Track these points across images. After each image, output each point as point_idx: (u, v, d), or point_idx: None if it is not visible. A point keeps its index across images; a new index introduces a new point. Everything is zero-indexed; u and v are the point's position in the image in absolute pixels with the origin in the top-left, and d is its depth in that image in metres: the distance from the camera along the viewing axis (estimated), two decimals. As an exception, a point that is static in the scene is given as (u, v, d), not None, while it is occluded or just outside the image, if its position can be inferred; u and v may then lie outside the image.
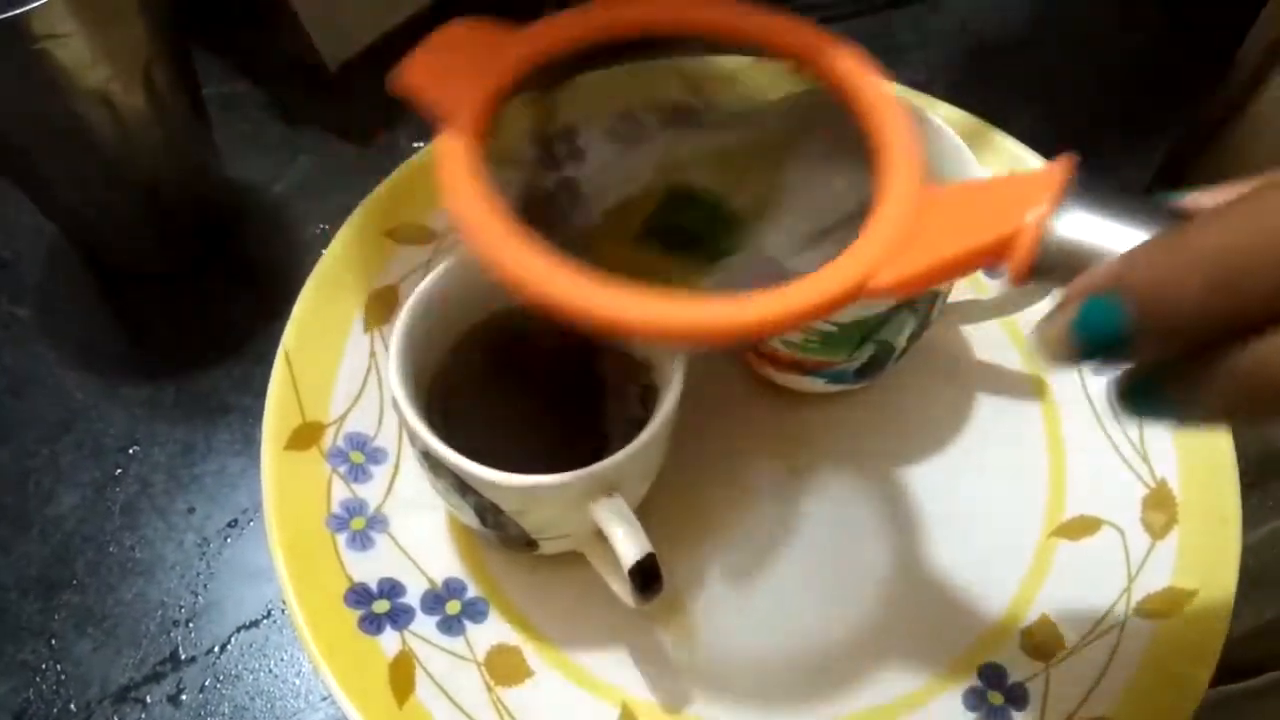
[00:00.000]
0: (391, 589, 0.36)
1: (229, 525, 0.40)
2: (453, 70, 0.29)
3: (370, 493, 0.38)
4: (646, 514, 0.36)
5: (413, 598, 0.36)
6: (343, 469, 0.39)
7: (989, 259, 0.23)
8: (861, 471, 0.40)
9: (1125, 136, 0.53)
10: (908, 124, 0.26)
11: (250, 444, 0.41)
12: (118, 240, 0.45)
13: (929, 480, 0.40)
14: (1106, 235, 0.21)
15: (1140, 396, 0.21)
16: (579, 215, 0.31)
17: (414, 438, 0.32)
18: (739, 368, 0.42)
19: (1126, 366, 0.21)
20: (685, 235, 0.29)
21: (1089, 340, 0.20)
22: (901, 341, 0.37)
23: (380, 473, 0.39)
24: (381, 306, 0.42)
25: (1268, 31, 0.49)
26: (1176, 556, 0.38)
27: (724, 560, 0.38)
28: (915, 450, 0.41)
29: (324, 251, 0.42)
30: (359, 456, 0.39)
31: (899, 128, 0.26)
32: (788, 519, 0.39)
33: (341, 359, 0.41)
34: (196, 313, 0.45)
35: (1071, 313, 0.20)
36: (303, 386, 0.39)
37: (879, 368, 0.39)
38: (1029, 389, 0.42)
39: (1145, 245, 0.20)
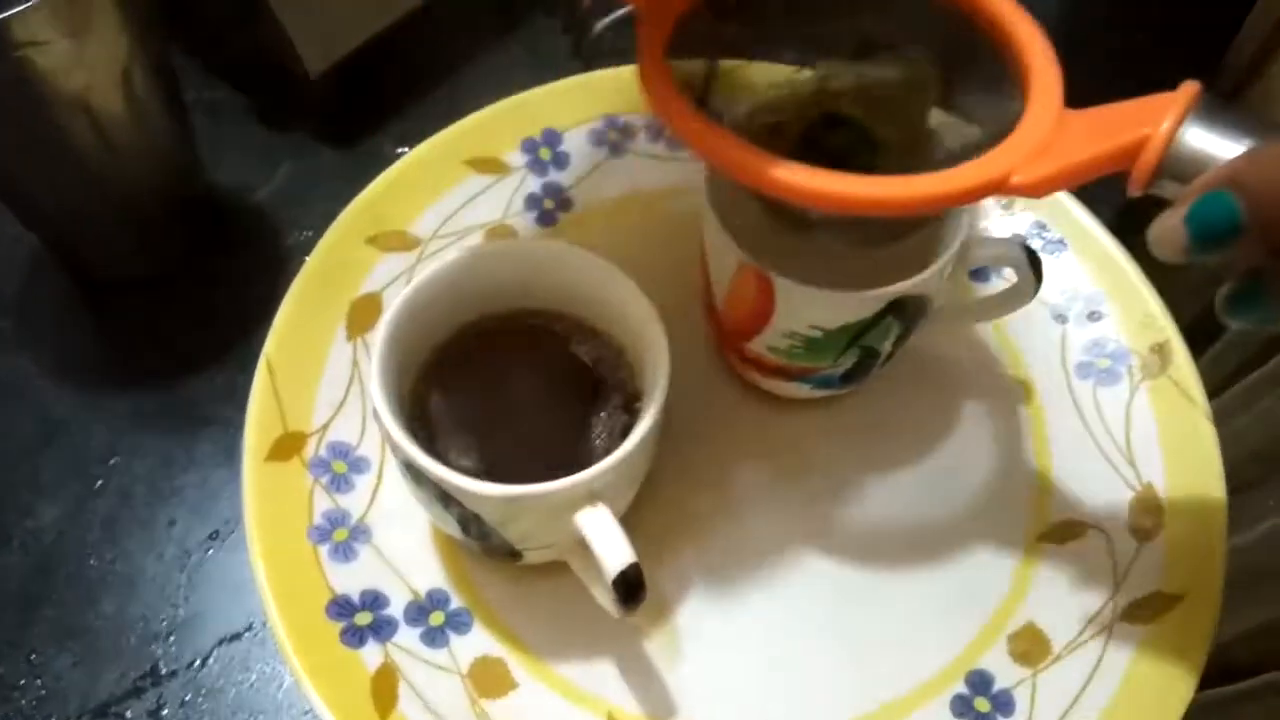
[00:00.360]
0: (374, 601, 0.36)
1: (210, 537, 0.40)
2: None
3: (353, 503, 0.38)
4: (632, 521, 0.36)
5: (396, 609, 0.36)
6: (325, 479, 0.38)
7: (1116, 164, 0.26)
8: (847, 477, 0.40)
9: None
10: (1051, 55, 0.29)
11: (233, 455, 0.41)
12: (98, 248, 0.44)
13: (915, 485, 0.40)
14: (1224, 147, 0.24)
15: (1245, 300, 0.24)
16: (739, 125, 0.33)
17: (395, 449, 0.31)
18: (725, 373, 0.42)
19: (1235, 273, 0.24)
20: (833, 156, 0.31)
21: (1202, 231, 0.23)
22: (887, 347, 0.37)
23: (363, 483, 0.39)
24: (364, 315, 0.42)
25: (1261, 26, 0.49)
26: (1163, 561, 0.38)
27: (710, 567, 0.38)
28: (901, 455, 0.41)
29: (306, 259, 0.41)
30: (341, 466, 0.39)
31: (1044, 58, 0.29)
32: (774, 525, 0.39)
33: (324, 368, 0.40)
34: (178, 322, 0.45)
35: (1187, 207, 0.23)
36: (285, 396, 0.39)
37: (864, 373, 0.39)
38: (1015, 393, 0.42)
39: (1259, 148, 0.23)
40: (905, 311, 0.35)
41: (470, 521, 0.32)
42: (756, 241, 0.36)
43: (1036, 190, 0.28)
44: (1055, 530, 0.39)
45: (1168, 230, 0.24)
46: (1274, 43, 0.49)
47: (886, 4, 0.34)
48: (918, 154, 0.33)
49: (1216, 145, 0.25)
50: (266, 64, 0.48)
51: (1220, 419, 0.46)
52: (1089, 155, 0.27)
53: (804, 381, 0.39)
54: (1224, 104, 0.25)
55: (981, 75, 0.32)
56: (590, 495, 0.31)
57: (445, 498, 0.31)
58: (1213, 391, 0.47)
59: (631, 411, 0.34)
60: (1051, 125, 0.28)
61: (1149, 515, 0.39)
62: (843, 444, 0.41)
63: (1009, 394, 0.42)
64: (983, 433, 0.41)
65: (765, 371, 0.39)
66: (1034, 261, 0.36)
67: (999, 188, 0.28)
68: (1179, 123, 0.25)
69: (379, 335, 0.33)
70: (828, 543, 0.39)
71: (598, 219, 0.46)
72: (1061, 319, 0.43)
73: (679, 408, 0.39)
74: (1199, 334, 0.46)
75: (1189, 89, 0.26)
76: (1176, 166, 0.25)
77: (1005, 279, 0.42)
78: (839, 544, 0.39)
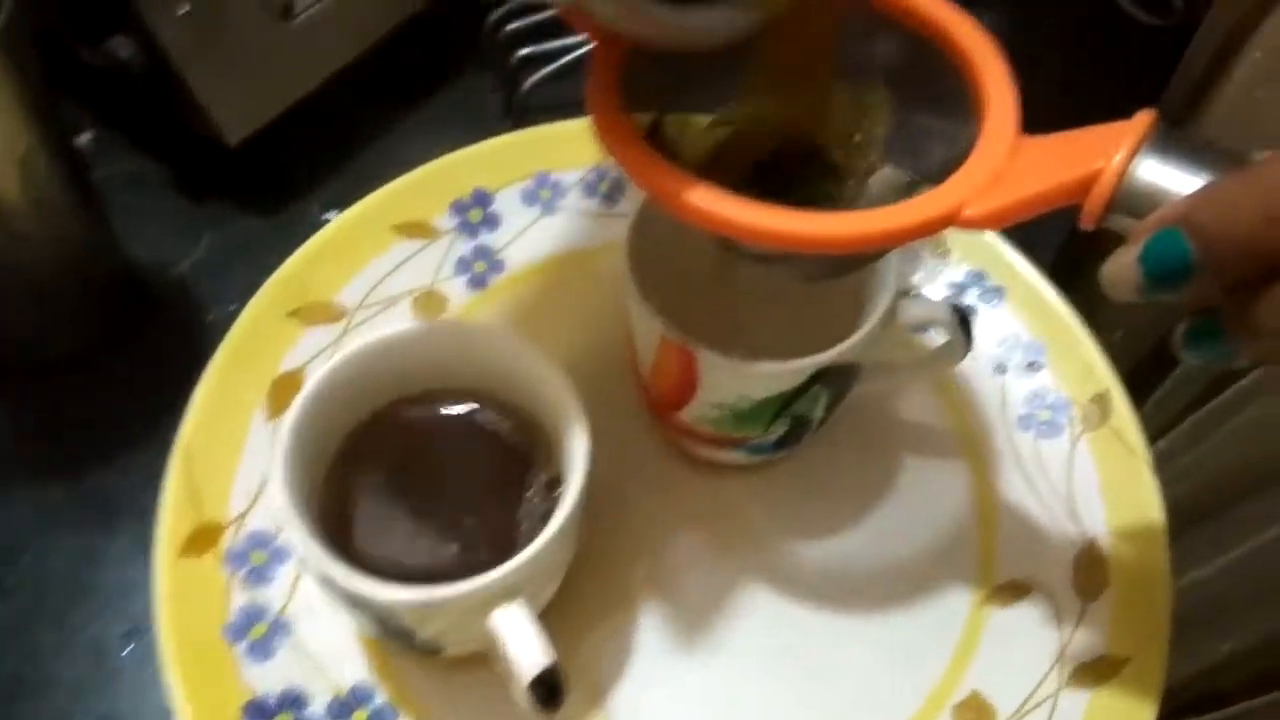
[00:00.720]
0: (294, 700, 0.34)
1: (127, 635, 0.38)
2: None
3: (272, 596, 0.37)
4: (562, 600, 0.35)
5: (317, 708, 0.34)
6: (243, 572, 0.37)
7: (1069, 197, 0.25)
8: (786, 543, 0.39)
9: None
10: (1007, 76, 0.28)
11: (150, 546, 0.39)
12: (3, 335, 0.43)
13: (857, 550, 0.39)
14: (1178, 180, 0.24)
15: (1202, 337, 0.24)
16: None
17: (303, 554, 0.30)
18: (659, 438, 0.41)
19: (1190, 312, 0.24)
20: (787, 180, 0.31)
21: (1155, 269, 0.23)
22: (818, 413, 0.36)
23: (283, 573, 0.37)
24: (285, 393, 0.40)
25: (1204, 55, 0.49)
26: (1109, 621, 0.37)
27: (646, 643, 0.37)
28: (842, 518, 0.40)
29: (225, 336, 0.40)
30: (261, 557, 0.37)
31: (999, 82, 0.28)
32: (712, 596, 0.38)
33: (242, 452, 0.39)
34: (93, 407, 0.43)
35: (1140, 245, 0.23)
36: (200, 485, 0.38)
37: (798, 439, 0.38)
38: (957, 448, 0.41)
39: (1210, 184, 0.23)
40: (833, 379, 0.34)
41: (385, 622, 0.31)
42: (682, 304, 0.35)
43: (988, 223, 0.27)
44: (1000, 592, 0.38)
45: (1121, 269, 0.24)
46: (1216, 71, 0.49)
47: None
48: (872, 179, 0.32)
49: (1171, 178, 0.24)
50: (185, 134, 0.46)
51: (1174, 451, 0.46)
52: (1042, 188, 0.26)
53: (737, 449, 0.38)
54: (1179, 134, 0.25)
55: (935, 98, 0.30)
56: (506, 592, 0.29)
57: (355, 600, 0.30)
58: (1166, 425, 0.47)
59: (553, 499, 0.33)
60: (1005, 154, 0.27)
61: (1093, 573, 0.38)
62: (781, 509, 0.40)
63: (950, 449, 0.41)
64: (924, 491, 0.40)
65: (697, 440, 0.38)
66: (964, 322, 0.35)
67: (951, 221, 0.27)
68: (1132, 155, 0.24)
69: (283, 429, 0.31)
70: (767, 613, 0.38)
71: (531, 280, 0.45)
72: (1001, 370, 0.42)
73: (611, 475, 0.38)
74: (1140, 378, 0.46)
75: (1143, 119, 0.25)
76: (1130, 201, 0.24)
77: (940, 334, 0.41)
78: (779, 614, 0.38)
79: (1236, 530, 0.43)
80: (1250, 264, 0.21)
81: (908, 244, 0.28)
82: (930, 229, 0.27)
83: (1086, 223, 0.25)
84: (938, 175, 0.28)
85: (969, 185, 0.27)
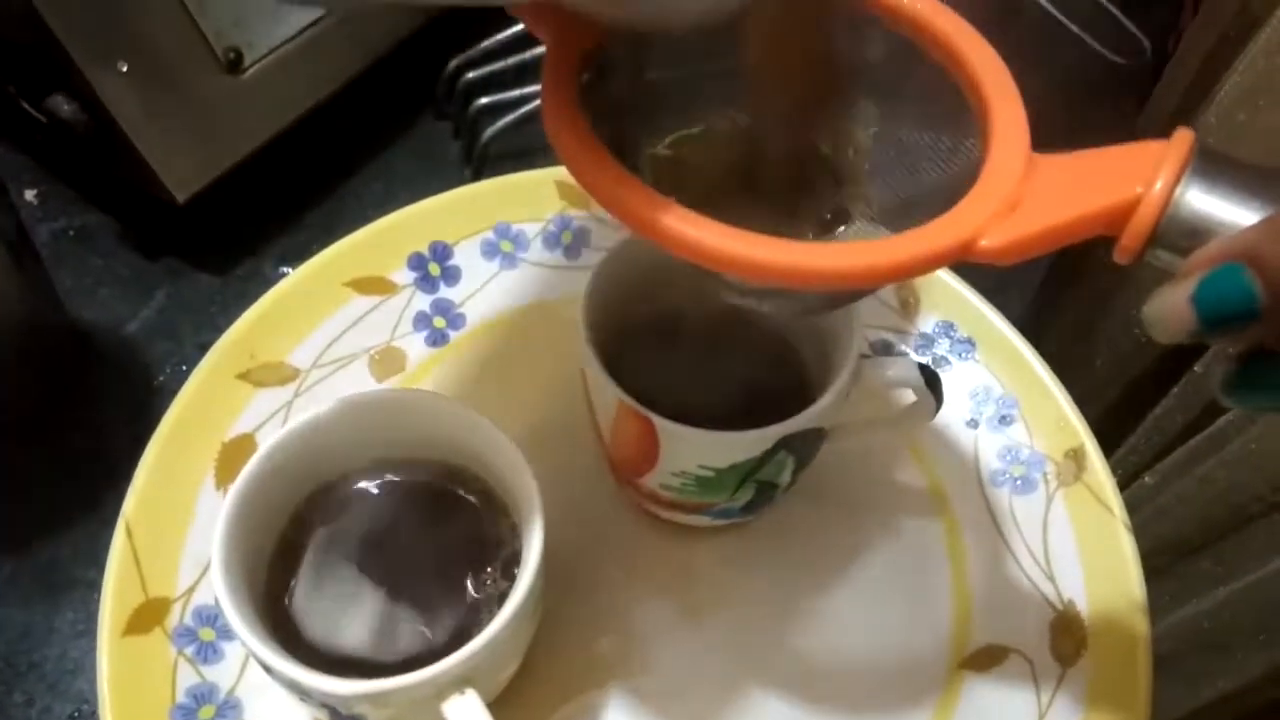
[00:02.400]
0: (243, 789, 0.33)
1: (70, 718, 0.37)
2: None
3: (221, 674, 0.35)
4: (523, 676, 0.33)
5: (267, 796, 0.33)
6: (190, 649, 0.35)
7: (1100, 227, 0.22)
8: (756, 610, 0.38)
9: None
10: (1015, 95, 0.25)
11: (95, 622, 0.38)
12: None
13: (830, 615, 0.38)
14: (1229, 210, 0.21)
15: (1254, 383, 0.21)
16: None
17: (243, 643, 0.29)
18: (625, 501, 0.40)
19: (1238, 352, 0.21)
20: (760, 200, 0.29)
21: (1213, 311, 0.20)
22: (785, 478, 0.35)
23: (233, 650, 0.36)
24: (235, 459, 0.39)
25: (1181, 79, 0.48)
26: (1087, 687, 0.36)
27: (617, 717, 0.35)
28: (813, 582, 0.39)
29: (173, 401, 0.39)
30: (209, 633, 0.36)
31: (1007, 98, 0.25)
32: (681, 668, 0.36)
33: (191, 522, 0.37)
34: (34, 477, 0.42)
35: (1194, 283, 0.20)
36: (146, 559, 0.36)
37: (766, 503, 0.37)
38: (929, 505, 0.40)
39: (1274, 220, 0.20)
40: (799, 444, 0.33)
41: (333, 709, 0.29)
42: (643, 365, 0.34)
43: (1007, 256, 0.23)
44: (977, 656, 0.37)
45: (1171, 309, 0.21)
46: (1191, 106, 0.49)
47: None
48: (869, 194, 0.29)
49: (1221, 207, 0.21)
50: (133, 190, 0.45)
51: (1159, 488, 0.45)
52: (1067, 218, 0.23)
53: (703, 514, 0.37)
54: (1222, 157, 0.22)
55: (928, 110, 0.28)
56: (458, 682, 0.28)
57: (299, 690, 0.28)
58: (1162, 450, 0.46)
59: (512, 578, 0.31)
60: (1020, 174, 0.24)
61: (1071, 636, 0.37)
62: (751, 573, 0.39)
63: (923, 507, 0.40)
64: (898, 552, 0.39)
65: (661, 504, 0.37)
66: (932, 381, 0.34)
67: (965, 253, 0.23)
68: (1176, 181, 0.21)
69: (223, 511, 0.30)
70: (737, 684, 0.36)
71: (492, 335, 0.44)
72: (973, 424, 0.41)
73: (575, 540, 0.37)
74: (1125, 408, 0.45)
75: (1183, 138, 0.22)
76: (1174, 234, 0.21)
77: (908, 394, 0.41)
78: (749, 684, 0.36)
79: (1228, 564, 0.43)
80: None
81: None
82: (942, 260, 0.23)
83: (1124, 257, 0.23)
84: (930, 197, 0.25)
85: (982, 211, 0.23)
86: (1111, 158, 0.23)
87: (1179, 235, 0.21)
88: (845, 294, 0.29)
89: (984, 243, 0.23)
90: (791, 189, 0.29)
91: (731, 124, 0.30)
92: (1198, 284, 0.20)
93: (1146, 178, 0.22)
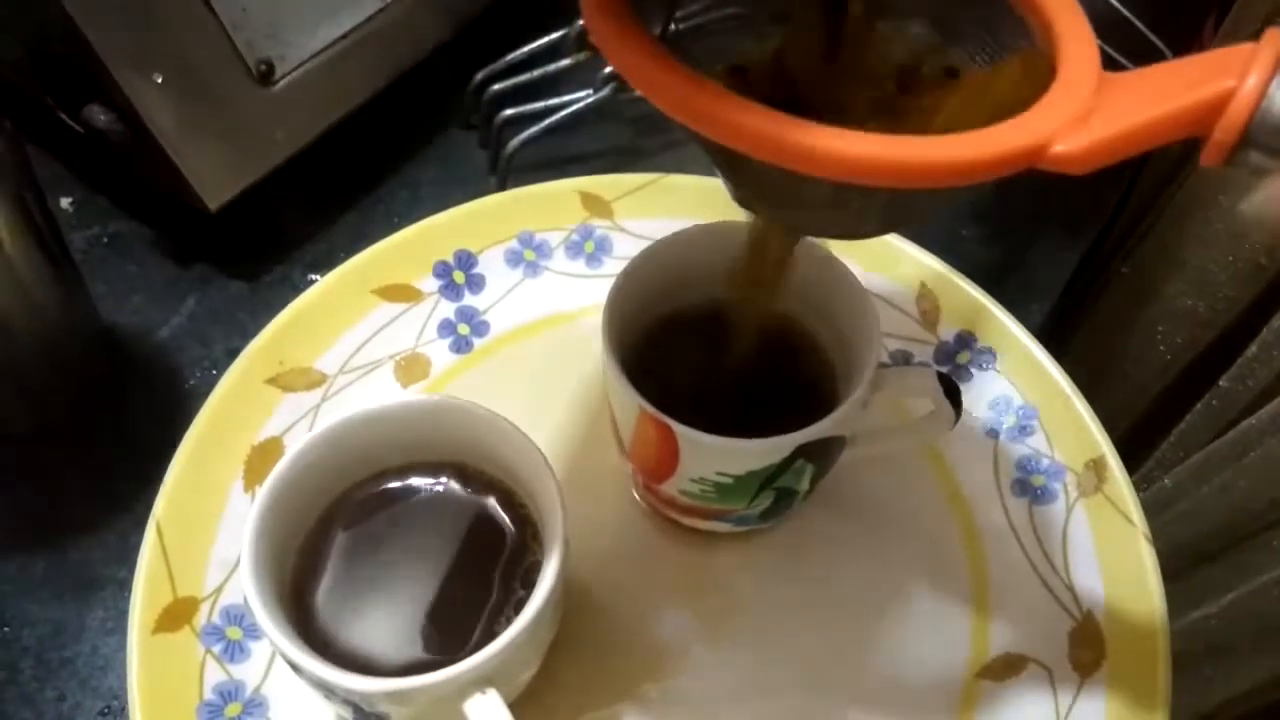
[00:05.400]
0: (267, 786, 0.34)
1: (102, 714, 0.38)
2: None
3: (248, 673, 0.36)
4: (545, 674, 0.34)
5: (291, 793, 0.34)
6: (218, 648, 0.36)
7: (1184, 129, 0.21)
8: (776, 616, 0.38)
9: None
10: (1082, 18, 0.24)
11: (125, 620, 0.39)
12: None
13: (846, 622, 0.38)
14: None
15: None
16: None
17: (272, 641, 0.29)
18: (645, 507, 0.40)
19: None
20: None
21: None
22: (804, 485, 0.35)
23: (260, 649, 0.36)
24: (264, 462, 0.40)
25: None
26: (1106, 698, 0.36)
27: (636, 723, 0.36)
28: (830, 589, 0.39)
29: (203, 405, 0.40)
30: (236, 632, 0.36)
31: (1074, 19, 0.24)
32: (700, 675, 0.37)
33: (219, 524, 0.38)
34: (68, 477, 0.43)
35: None
36: (175, 559, 0.37)
37: (784, 510, 0.37)
38: (949, 514, 0.40)
39: None
40: (817, 452, 0.34)
41: (357, 706, 0.30)
42: (665, 372, 0.34)
43: (1084, 161, 0.22)
44: (995, 665, 0.37)
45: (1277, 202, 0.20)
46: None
47: None
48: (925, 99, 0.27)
49: None
50: (166, 198, 0.46)
51: (1177, 493, 0.45)
52: (1149, 116, 0.21)
53: (722, 520, 0.37)
54: None
55: (994, 33, 0.26)
56: (479, 681, 0.29)
57: (323, 687, 0.29)
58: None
59: (532, 578, 0.32)
60: (1092, 87, 0.22)
61: (1090, 647, 0.37)
62: (769, 580, 0.39)
63: (942, 515, 0.40)
64: (916, 560, 0.39)
65: (681, 510, 0.37)
66: (951, 392, 0.35)
67: (1037, 156, 0.22)
68: (1270, 74, 0.20)
69: (253, 511, 0.31)
70: (754, 690, 0.36)
71: (516, 341, 0.45)
72: (993, 434, 0.41)
73: (595, 545, 0.38)
74: (1137, 442, 0.45)
75: (1277, 37, 0.21)
76: (1267, 131, 0.20)
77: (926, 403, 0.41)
78: (766, 690, 0.37)
79: (1240, 570, 0.43)
80: None
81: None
82: (1011, 164, 0.22)
83: (1212, 158, 0.21)
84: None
85: (1055, 116, 0.22)
86: (1193, 64, 0.22)
87: (1272, 133, 0.20)
88: (899, 208, 0.27)
89: (1059, 147, 0.22)
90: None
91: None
92: None
93: (1238, 73, 0.20)
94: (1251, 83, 0.20)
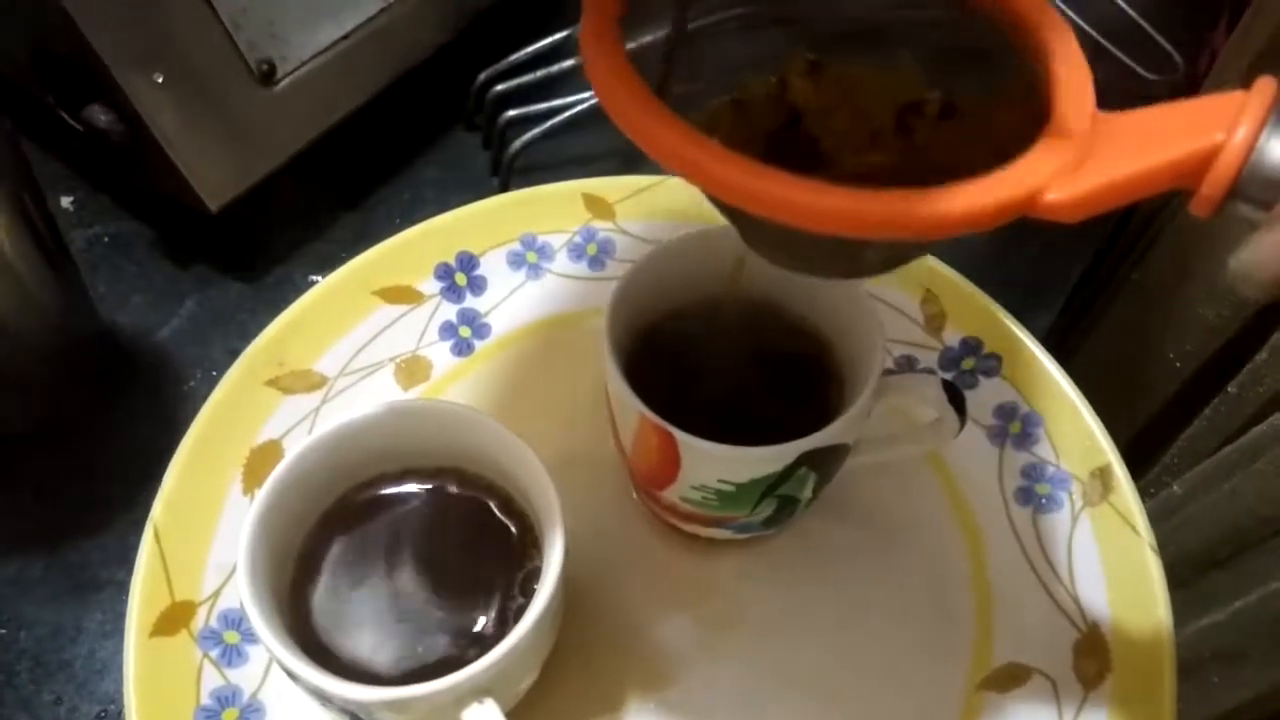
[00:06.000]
0: (263, 792, 0.33)
1: (98, 718, 0.37)
2: None
3: (245, 677, 0.36)
4: (543, 682, 0.34)
5: (287, 800, 0.33)
6: (215, 652, 0.36)
7: (1175, 180, 0.21)
8: (777, 624, 0.38)
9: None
10: (1079, 54, 0.24)
11: (123, 623, 0.38)
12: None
13: (849, 630, 0.38)
14: None
15: None
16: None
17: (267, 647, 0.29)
18: (645, 513, 0.40)
19: None
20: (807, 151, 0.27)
21: None
22: (806, 493, 0.35)
23: (257, 654, 0.36)
24: (262, 465, 0.39)
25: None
26: (1110, 709, 0.35)
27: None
28: (833, 597, 0.38)
29: (202, 407, 0.39)
30: (234, 636, 0.36)
31: (1070, 56, 0.24)
32: (699, 677, 0.36)
33: (217, 527, 0.38)
34: (65, 479, 0.42)
35: None
36: (173, 563, 0.37)
37: (787, 517, 0.36)
38: (952, 522, 0.40)
39: None
40: (819, 461, 0.33)
41: (354, 715, 0.30)
42: (666, 379, 0.34)
43: (1075, 211, 0.22)
44: (998, 676, 0.37)
45: (1265, 258, 0.20)
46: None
47: None
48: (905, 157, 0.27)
49: None
50: (167, 198, 0.46)
51: (1185, 500, 0.44)
52: (1140, 167, 0.21)
53: (723, 527, 0.37)
54: None
55: (986, 68, 0.26)
56: (477, 691, 0.28)
57: (320, 695, 0.29)
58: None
59: (531, 586, 0.31)
60: (1085, 130, 0.22)
61: (1095, 658, 0.36)
62: (770, 587, 0.39)
63: (945, 523, 0.40)
64: (919, 569, 0.39)
65: (682, 517, 0.37)
66: (956, 399, 0.34)
67: (1031, 206, 0.22)
68: (1260, 127, 0.20)
69: (251, 514, 0.30)
70: (755, 698, 0.36)
71: (517, 345, 0.44)
72: (998, 441, 0.41)
73: (595, 551, 0.37)
74: (1143, 449, 0.44)
75: (1266, 85, 0.21)
76: (1256, 184, 0.20)
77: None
78: (767, 699, 0.36)
79: (1249, 576, 0.42)
80: None
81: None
82: (1005, 215, 0.22)
83: (1203, 209, 0.21)
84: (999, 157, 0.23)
85: (1047, 165, 0.22)
86: (1186, 110, 0.22)
87: (1262, 186, 0.20)
88: (900, 251, 0.27)
89: (1050, 196, 0.22)
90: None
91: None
92: None
93: (1227, 125, 0.20)
94: (1240, 136, 0.20)
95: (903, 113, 0.27)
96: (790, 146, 0.28)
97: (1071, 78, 0.24)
